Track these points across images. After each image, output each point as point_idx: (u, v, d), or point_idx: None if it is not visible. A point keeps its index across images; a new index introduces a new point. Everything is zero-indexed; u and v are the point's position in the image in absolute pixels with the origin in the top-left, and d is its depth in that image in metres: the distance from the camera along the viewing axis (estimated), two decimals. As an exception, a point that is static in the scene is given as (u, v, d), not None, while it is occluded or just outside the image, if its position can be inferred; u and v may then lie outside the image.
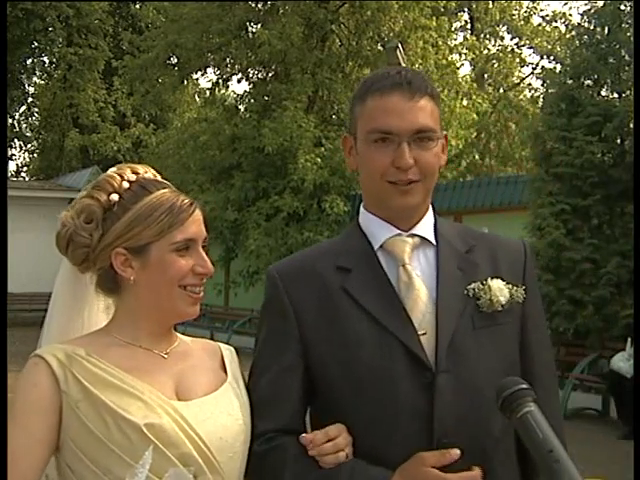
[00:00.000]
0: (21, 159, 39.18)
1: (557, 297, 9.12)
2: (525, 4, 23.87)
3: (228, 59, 18.05)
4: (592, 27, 10.51)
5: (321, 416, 1.49)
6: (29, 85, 29.85)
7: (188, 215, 1.45)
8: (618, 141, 9.79)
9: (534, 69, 22.25)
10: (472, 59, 21.45)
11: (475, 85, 18.90)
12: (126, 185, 1.46)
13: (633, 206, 8.48)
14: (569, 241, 9.32)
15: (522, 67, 23.86)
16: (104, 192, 1.46)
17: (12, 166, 31.70)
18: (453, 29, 20.81)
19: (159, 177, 1.54)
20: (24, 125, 30.80)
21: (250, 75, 18.13)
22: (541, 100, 14.88)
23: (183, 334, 1.58)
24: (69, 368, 1.36)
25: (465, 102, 17.89)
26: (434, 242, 1.53)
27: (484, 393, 1.38)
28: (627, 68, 9.89)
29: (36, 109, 30.18)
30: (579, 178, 9.54)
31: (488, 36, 24.10)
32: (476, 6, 23.45)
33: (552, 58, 18.83)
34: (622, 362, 8.21)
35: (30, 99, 30.16)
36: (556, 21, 22.07)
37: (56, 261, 1.52)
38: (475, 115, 17.55)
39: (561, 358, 9.13)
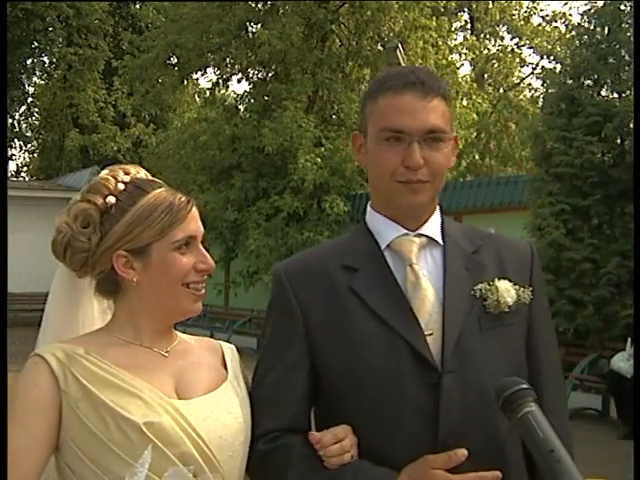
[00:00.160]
0: (21, 159, 39.22)
1: (557, 297, 9.09)
2: (525, 4, 23.86)
3: (228, 59, 18.02)
4: (592, 27, 10.49)
5: (326, 415, 1.48)
6: (29, 85, 29.83)
7: (187, 212, 1.45)
8: (618, 141, 9.77)
9: (534, 69, 22.20)
10: (472, 59, 21.43)
11: (475, 85, 18.89)
12: (121, 187, 1.45)
13: (633, 206, 8.47)
14: (569, 241, 9.32)
15: (522, 67, 23.83)
16: (100, 195, 1.45)
17: (12, 166, 31.72)
18: (453, 29, 20.80)
19: (150, 176, 1.53)
20: (24, 125, 30.75)
21: (250, 75, 18.11)
22: (541, 100, 14.85)
23: (183, 333, 1.57)
24: (68, 367, 1.35)
25: (465, 102, 17.90)
26: (441, 242, 1.52)
27: (490, 394, 1.36)
28: (627, 68, 9.88)
29: (36, 109, 30.11)
30: (579, 178, 9.54)
31: (488, 36, 24.06)
32: (476, 6, 23.41)
33: (552, 58, 18.77)
34: (622, 362, 8.21)
35: (30, 99, 30.11)
36: (556, 21, 22.02)
37: (56, 261, 1.51)
38: (475, 115, 17.54)
39: (561, 358, 9.09)
